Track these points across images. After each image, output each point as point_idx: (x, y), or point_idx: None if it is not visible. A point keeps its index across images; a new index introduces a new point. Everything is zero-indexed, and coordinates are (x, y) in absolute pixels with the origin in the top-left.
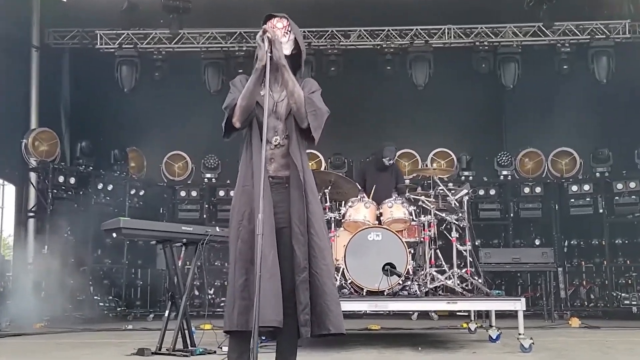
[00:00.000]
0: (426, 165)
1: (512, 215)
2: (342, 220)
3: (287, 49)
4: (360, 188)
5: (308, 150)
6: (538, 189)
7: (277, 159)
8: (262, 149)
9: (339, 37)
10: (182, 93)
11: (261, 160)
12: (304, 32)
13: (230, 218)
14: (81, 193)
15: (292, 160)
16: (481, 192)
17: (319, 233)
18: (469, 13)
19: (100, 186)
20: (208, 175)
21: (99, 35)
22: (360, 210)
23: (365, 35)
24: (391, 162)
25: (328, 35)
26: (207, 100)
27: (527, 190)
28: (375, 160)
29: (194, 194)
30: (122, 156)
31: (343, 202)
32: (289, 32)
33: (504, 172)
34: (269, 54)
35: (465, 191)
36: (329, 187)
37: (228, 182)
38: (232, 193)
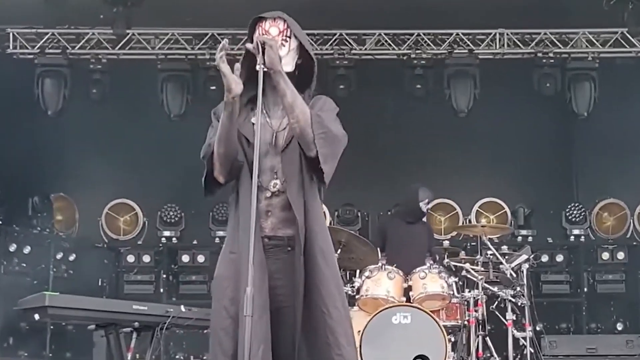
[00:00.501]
0: (470, 221)
1: (585, 289)
2: (357, 297)
3: (289, 63)
4: (380, 251)
5: None
6: (621, 255)
7: (275, 212)
8: (252, 199)
9: (350, 44)
10: (129, 118)
11: (251, 213)
12: None
13: (212, 296)
14: None
15: (297, 213)
16: (545, 259)
17: (333, 313)
18: (529, 14)
19: (12, 248)
20: (166, 234)
21: (11, 34)
22: (381, 282)
23: (386, 42)
24: (428, 208)
25: (335, 40)
26: (165, 128)
27: (606, 256)
28: (403, 211)
29: (146, 259)
30: (44, 206)
31: (357, 272)
32: (289, 39)
33: (576, 232)
34: (263, 66)
35: (524, 257)
36: (339, 251)
37: (195, 242)
38: (200, 258)
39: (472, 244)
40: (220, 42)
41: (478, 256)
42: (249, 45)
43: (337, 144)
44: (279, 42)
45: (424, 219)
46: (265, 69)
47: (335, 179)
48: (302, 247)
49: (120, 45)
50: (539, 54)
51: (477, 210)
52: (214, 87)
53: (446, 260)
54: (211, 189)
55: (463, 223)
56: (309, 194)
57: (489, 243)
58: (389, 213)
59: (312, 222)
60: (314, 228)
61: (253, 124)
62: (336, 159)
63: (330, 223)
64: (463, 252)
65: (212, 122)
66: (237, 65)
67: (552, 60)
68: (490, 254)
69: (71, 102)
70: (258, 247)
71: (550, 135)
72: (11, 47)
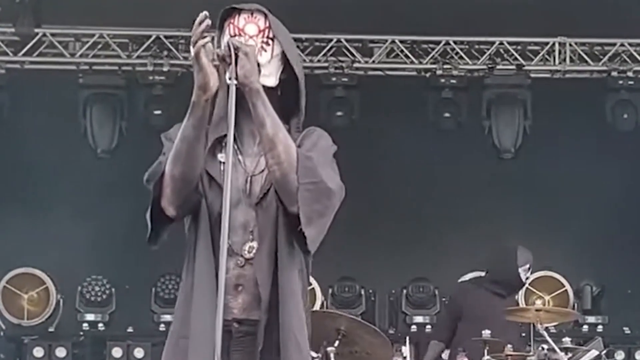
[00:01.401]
0: (518, 303)
1: None
2: None
3: (271, 74)
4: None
5: None
6: None
7: (249, 287)
8: (221, 268)
9: (352, 54)
10: (37, 152)
11: (219, 287)
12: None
13: None
14: None
15: (262, 288)
16: (620, 356)
17: None
18: (600, 18)
19: None
20: (90, 317)
21: None
22: None
23: (402, 52)
24: (528, 277)
25: (331, 49)
26: (89, 168)
27: None
28: (492, 280)
29: (60, 353)
30: None
31: None
32: (271, 41)
33: None
34: (234, 80)
35: (593, 353)
36: (336, 343)
37: (130, 330)
38: (138, 353)
39: (523, 334)
40: (171, 49)
41: (530, 352)
42: (217, 51)
43: (328, 199)
44: (259, 45)
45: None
46: (237, 82)
47: (329, 245)
48: (263, 337)
49: (25, 49)
50: (614, 73)
51: (528, 288)
52: (158, 112)
53: (486, 357)
54: (158, 229)
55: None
56: (285, 261)
57: (545, 333)
58: (465, 282)
59: (285, 302)
60: (288, 309)
61: (221, 162)
62: (326, 220)
63: (322, 305)
64: (510, 345)
65: (164, 147)
66: (210, 47)
67: (632, 82)
68: (548, 349)
69: None
70: (223, 334)
71: (628, 186)
72: None
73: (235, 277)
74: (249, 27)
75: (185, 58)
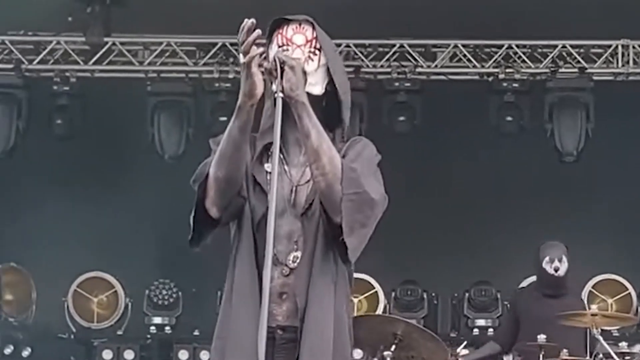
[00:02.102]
0: (584, 306)
1: None
2: None
3: (318, 83)
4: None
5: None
6: None
7: (291, 295)
8: (265, 276)
9: (414, 59)
10: (107, 159)
11: (264, 296)
12: (347, 48)
13: None
14: None
15: (314, 297)
16: None
17: None
18: None
19: None
20: (157, 321)
21: None
22: None
23: (465, 56)
24: (559, 272)
25: (394, 54)
26: (157, 173)
27: None
28: (537, 282)
29: (129, 355)
30: None
31: None
32: (318, 51)
33: None
34: (280, 93)
35: None
36: (392, 347)
37: (196, 333)
38: (204, 356)
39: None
40: (235, 56)
41: (587, 357)
42: (264, 64)
43: (371, 209)
44: (306, 54)
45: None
46: (283, 95)
47: (392, 249)
48: (299, 345)
49: (95, 58)
50: None
51: (591, 290)
52: (224, 118)
53: None
54: (201, 230)
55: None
56: (318, 270)
57: (600, 338)
58: (522, 289)
59: (316, 310)
60: (319, 317)
61: (267, 171)
62: (367, 230)
63: (385, 308)
64: (566, 350)
65: (212, 151)
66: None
67: None
68: (604, 355)
69: (27, 138)
70: (268, 341)
71: None
72: None
73: (279, 286)
74: (296, 37)
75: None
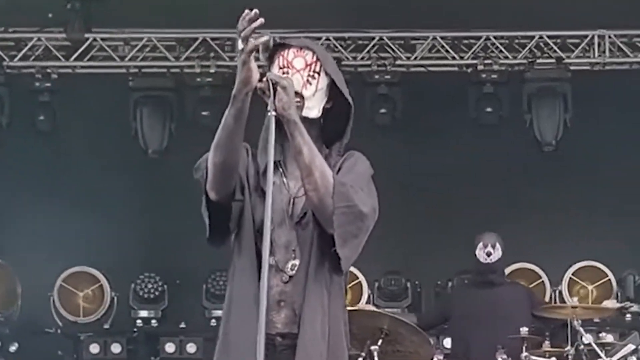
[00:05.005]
0: (560, 293)
1: None
2: None
3: (314, 107)
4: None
5: None
6: None
7: (289, 302)
8: (262, 287)
9: (393, 51)
10: (90, 154)
11: (260, 304)
12: (327, 41)
13: None
14: None
15: (310, 304)
16: None
17: None
18: (637, 9)
19: None
20: (143, 314)
21: None
22: None
23: (443, 47)
24: (491, 257)
25: (374, 46)
26: (139, 169)
27: None
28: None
29: (115, 349)
30: None
31: None
32: (317, 75)
33: None
34: (273, 111)
35: (630, 348)
36: (379, 342)
37: (182, 326)
38: (191, 348)
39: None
40: (217, 51)
41: (568, 348)
42: (258, 84)
43: (362, 221)
44: (305, 78)
45: (509, 280)
46: (275, 113)
47: (374, 240)
48: (297, 350)
49: (76, 54)
50: None
51: (570, 277)
52: (206, 113)
53: (524, 354)
54: (217, 223)
55: (551, 296)
56: (312, 278)
57: (581, 330)
58: (458, 282)
59: (310, 316)
60: (313, 323)
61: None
62: (359, 241)
63: (369, 298)
64: (547, 341)
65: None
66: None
67: None
68: (585, 344)
69: (9, 134)
70: (268, 347)
71: None
72: None
73: (278, 294)
74: (296, 60)
75: (232, 59)
